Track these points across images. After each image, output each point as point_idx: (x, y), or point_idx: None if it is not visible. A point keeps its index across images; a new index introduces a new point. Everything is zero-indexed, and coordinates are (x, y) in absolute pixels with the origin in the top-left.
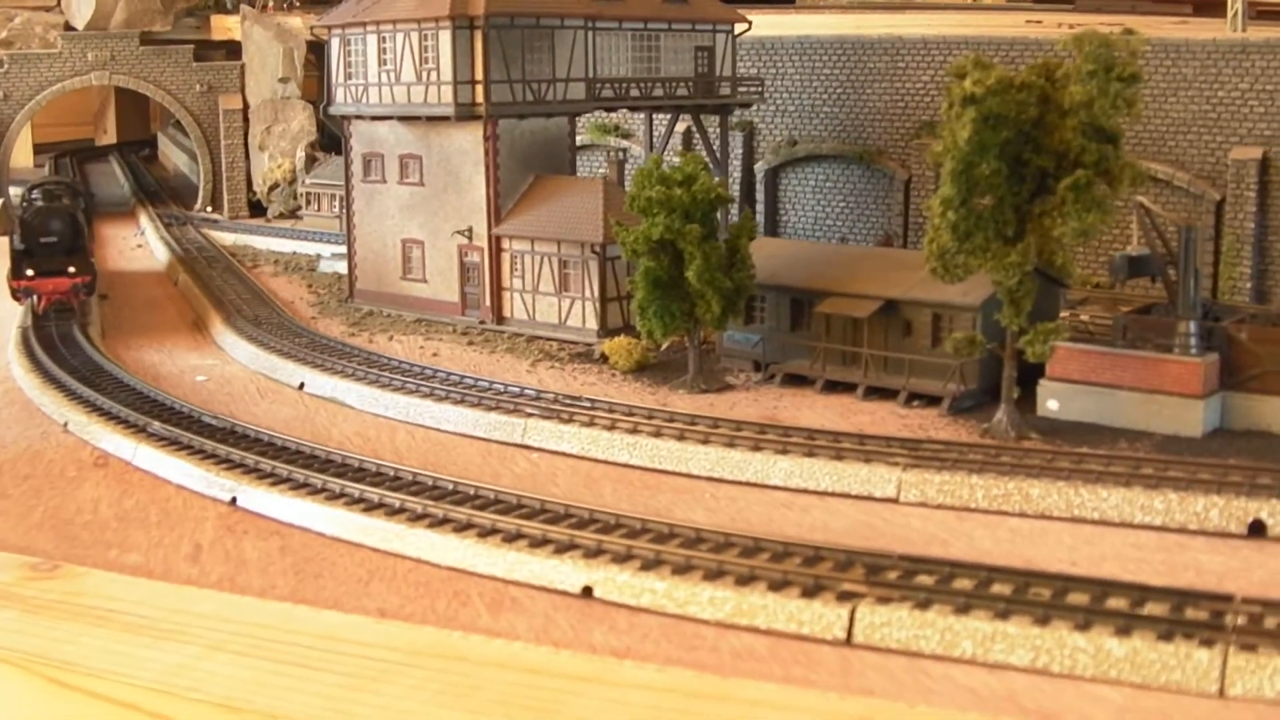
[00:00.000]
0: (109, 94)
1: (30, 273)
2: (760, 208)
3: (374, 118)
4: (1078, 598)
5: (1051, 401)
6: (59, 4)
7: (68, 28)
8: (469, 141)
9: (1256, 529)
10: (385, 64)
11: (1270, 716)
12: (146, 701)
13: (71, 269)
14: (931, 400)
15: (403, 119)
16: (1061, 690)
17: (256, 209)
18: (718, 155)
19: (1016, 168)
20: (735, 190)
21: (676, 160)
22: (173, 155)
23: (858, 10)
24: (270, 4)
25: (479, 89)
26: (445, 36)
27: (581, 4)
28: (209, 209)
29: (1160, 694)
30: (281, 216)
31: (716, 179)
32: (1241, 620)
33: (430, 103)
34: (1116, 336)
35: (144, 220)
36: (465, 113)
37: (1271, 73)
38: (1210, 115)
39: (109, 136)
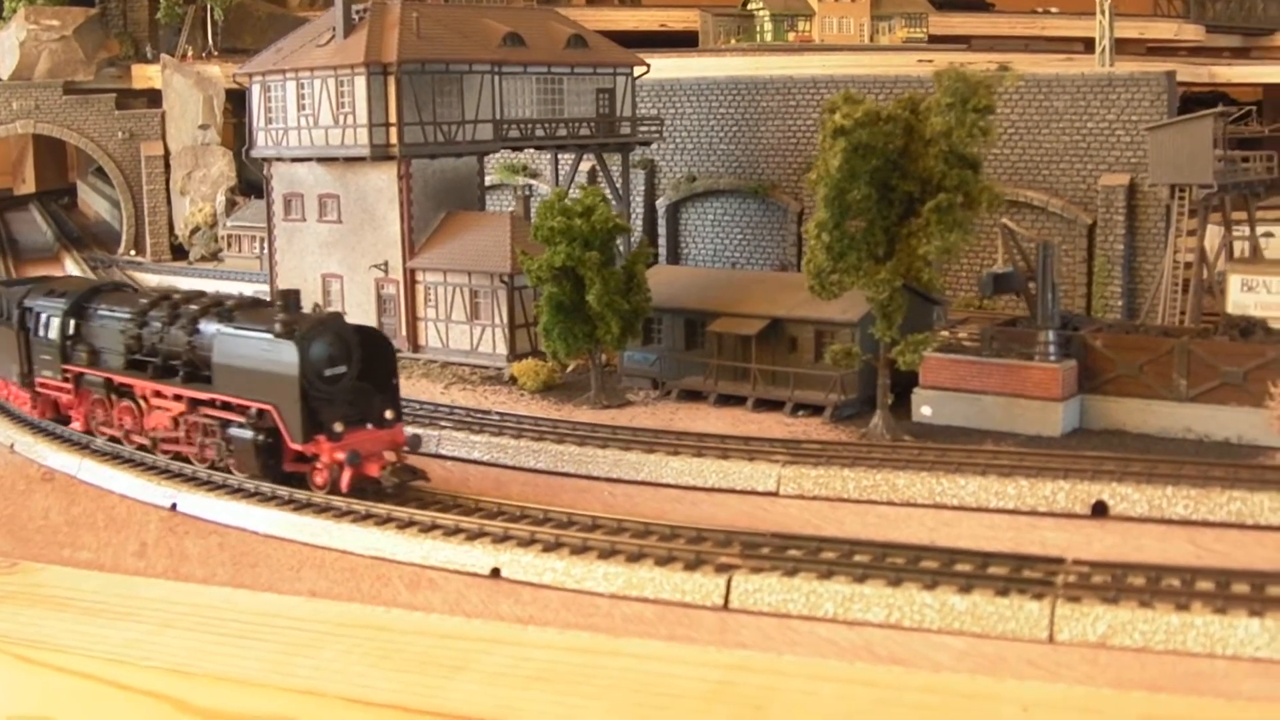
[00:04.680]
0: (27, 143)
1: (339, 428)
2: (662, 241)
3: (294, 159)
4: (929, 564)
5: (925, 408)
6: None
7: None
8: (384, 181)
9: (1099, 509)
10: (304, 109)
11: (1092, 656)
12: (105, 671)
13: (389, 413)
14: (815, 410)
15: (321, 160)
16: (911, 640)
17: (179, 252)
18: (620, 191)
19: (885, 193)
20: (638, 225)
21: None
22: (93, 202)
23: (757, 53)
24: (189, 53)
25: (393, 131)
26: (360, 82)
27: (488, 50)
28: (133, 252)
29: (998, 641)
30: (203, 259)
31: (618, 213)
32: (1071, 578)
33: (347, 145)
34: (984, 347)
35: (69, 264)
36: (380, 154)
37: (1136, 104)
38: (1081, 145)
39: (27, 185)
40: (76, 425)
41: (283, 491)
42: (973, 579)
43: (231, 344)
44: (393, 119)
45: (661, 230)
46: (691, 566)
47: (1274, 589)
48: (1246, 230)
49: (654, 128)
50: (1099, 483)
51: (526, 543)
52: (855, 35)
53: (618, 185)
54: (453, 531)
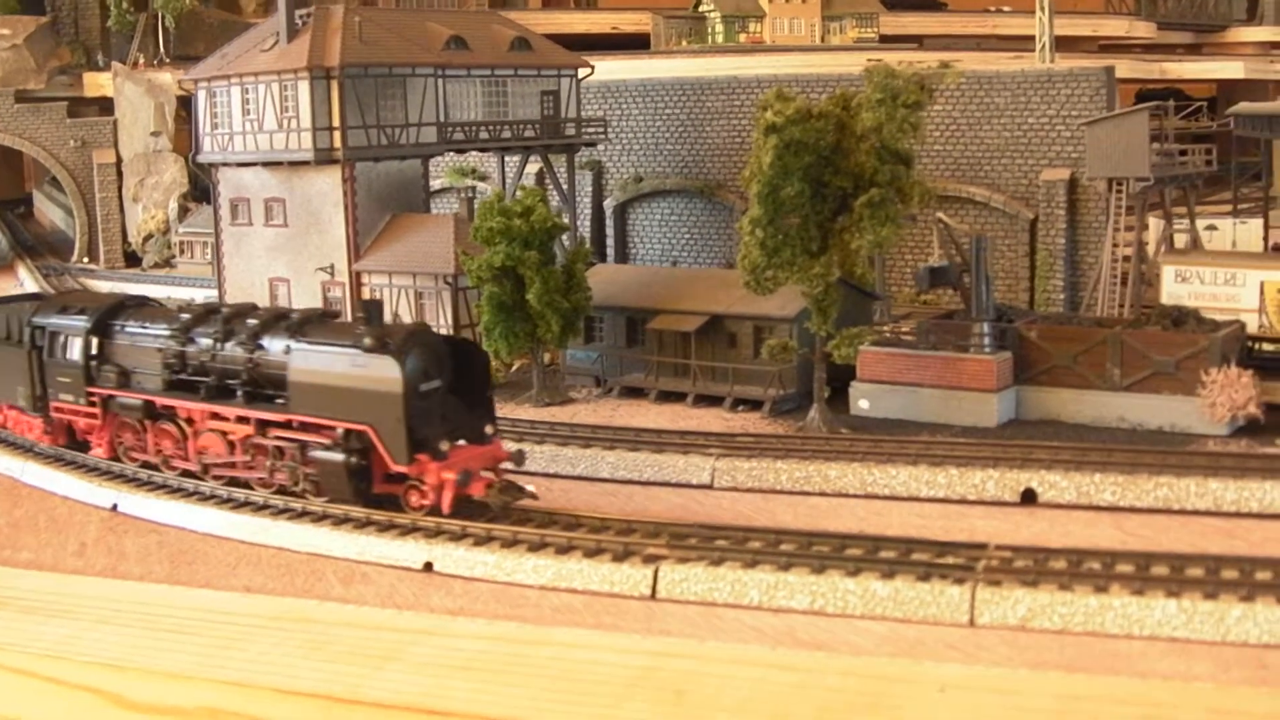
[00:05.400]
0: None
1: (444, 447)
2: (610, 241)
3: (240, 164)
4: (853, 551)
5: (863, 401)
6: None
7: None
8: (329, 184)
9: (1028, 497)
10: (249, 113)
11: (1012, 639)
12: (42, 667)
13: (489, 429)
14: (755, 405)
15: (266, 164)
16: (834, 626)
17: (132, 259)
18: (567, 193)
19: (819, 189)
20: (586, 226)
21: None
22: (49, 211)
23: (708, 55)
24: (141, 61)
25: (336, 135)
26: (304, 87)
27: (431, 54)
28: (85, 260)
29: (919, 625)
30: (157, 266)
31: (561, 214)
32: (993, 563)
33: (291, 149)
34: (920, 340)
35: (22, 272)
36: (324, 157)
37: (1075, 99)
38: (1022, 140)
39: None
40: (99, 452)
41: (221, 491)
42: (896, 565)
43: (311, 360)
44: (336, 123)
45: (609, 231)
46: (619, 558)
47: (1193, 571)
48: (1188, 223)
49: (598, 129)
50: (1028, 471)
51: (458, 537)
52: (806, 36)
53: (565, 187)
54: (386, 527)
